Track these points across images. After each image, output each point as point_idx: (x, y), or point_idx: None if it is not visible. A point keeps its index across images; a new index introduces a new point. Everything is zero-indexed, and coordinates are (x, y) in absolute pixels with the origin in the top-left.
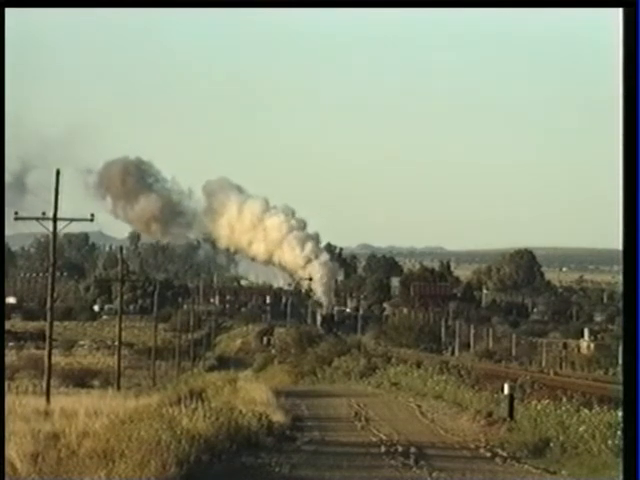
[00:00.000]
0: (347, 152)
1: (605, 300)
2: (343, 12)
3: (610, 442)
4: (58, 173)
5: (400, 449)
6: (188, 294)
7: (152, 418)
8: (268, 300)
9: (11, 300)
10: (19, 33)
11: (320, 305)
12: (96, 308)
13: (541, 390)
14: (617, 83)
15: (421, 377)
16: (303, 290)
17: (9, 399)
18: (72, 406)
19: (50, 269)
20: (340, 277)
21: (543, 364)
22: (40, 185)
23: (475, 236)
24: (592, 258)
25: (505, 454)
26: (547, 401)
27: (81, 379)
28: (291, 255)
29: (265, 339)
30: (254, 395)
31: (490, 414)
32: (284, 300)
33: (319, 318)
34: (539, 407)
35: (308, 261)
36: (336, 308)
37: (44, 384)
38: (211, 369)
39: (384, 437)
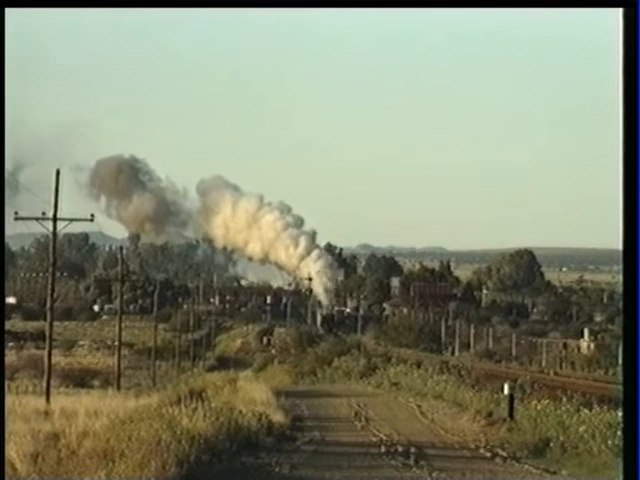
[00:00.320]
0: (347, 152)
1: (605, 300)
2: (342, 12)
3: (610, 442)
4: (58, 173)
5: (400, 449)
6: (188, 294)
7: (152, 418)
8: (268, 300)
9: (11, 300)
10: (17, 32)
11: (320, 305)
12: (96, 308)
13: (541, 390)
14: (617, 83)
15: (421, 377)
16: (303, 290)
17: (9, 399)
18: (72, 406)
19: (50, 269)
20: (340, 277)
21: (543, 364)
22: (33, 183)
23: (475, 236)
24: (592, 258)
25: (505, 454)
26: (547, 401)
27: (81, 379)
28: (286, 253)
29: (265, 339)
30: (254, 395)
31: (490, 414)
32: (284, 300)
33: (319, 318)
34: (539, 407)
35: (302, 258)
36: (336, 308)
37: (44, 384)
38: (211, 369)
39: (384, 437)
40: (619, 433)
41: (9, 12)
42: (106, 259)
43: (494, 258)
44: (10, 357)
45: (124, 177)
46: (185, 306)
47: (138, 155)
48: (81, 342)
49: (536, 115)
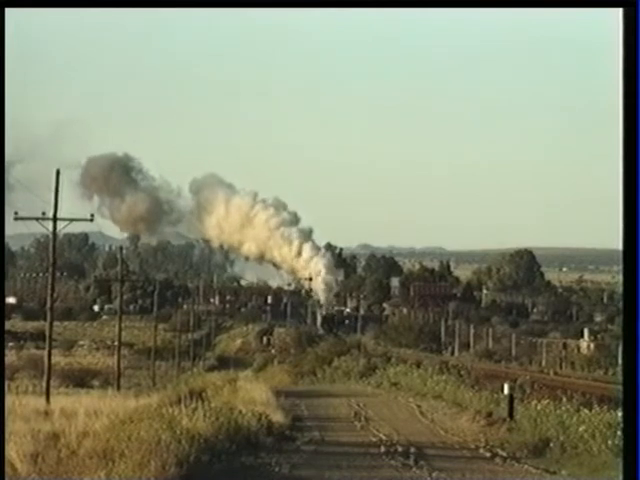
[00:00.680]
0: (347, 152)
1: (605, 300)
2: (342, 12)
3: (610, 442)
4: (58, 173)
5: (400, 449)
6: (188, 294)
7: (152, 418)
8: (268, 300)
9: (11, 300)
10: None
11: (320, 305)
12: (96, 308)
13: (541, 390)
14: (617, 83)
15: (421, 377)
16: (303, 290)
17: (9, 399)
18: (72, 406)
19: (50, 269)
20: (340, 277)
21: (543, 364)
22: (28, 181)
23: (475, 236)
24: (592, 258)
25: (505, 454)
26: (547, 401)
27: (81, 379)
28: (280, 252)
29: (265, 339)
30: (254, 395)
31: (490, 414)
32: (284, 300)
33: (319, 318)
34: (539, 407)
35: (297, 256)
36: (336, 308)
37: (44, 384)
38: (211, 369)
39: (384, 437)
40: (619, 433)
41: (9, 12)
42: (106, 259)
43: (494, 258)
44: (10, 357)
45: (117, 176)
46: (185, 306)
47: (133, 154)
48: (81, 342)
49: (536, 115)
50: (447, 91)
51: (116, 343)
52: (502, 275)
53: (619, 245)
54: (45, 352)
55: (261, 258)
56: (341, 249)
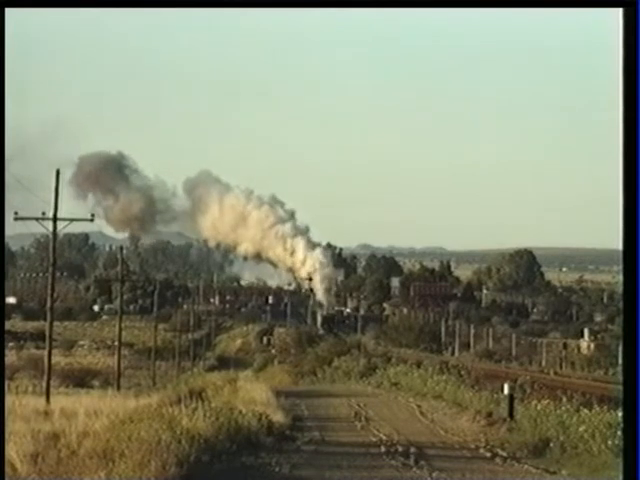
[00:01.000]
0: (347, 152)
1: (605, 300)
2: (341, 12)
3: (610, 442)
4: (58, 173)
5: (400, 449)
6: (188, 294)
7: (152, 418)
8: (270, 300)
9: (11, 300)
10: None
11: (320, 305)
12: (96, 308)
13: (541, 390)
14: (617, 83)
15: (421, 377)
16: (303, 290)
17: (9, 399)
18: (72, 406)
19: (50, 269)
20: (340, 277)
21: (543, 364)
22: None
23: (475, 236)
24: (592, 258)
25: (505, 454)
26: (547, 401)
27: (81, 379)
28: (276, 250)
29: (265, 339)
30: (254, 395)
31: (490, 414)
32: (284, 300)
33: (319, 318)
34: (539, 407)
35: (292, 253)
36: (336, 308)
37: (44, 384)
38: (211, 369)
39: (384, 437)
40: (619, 433)
41: (9, 12)
42: (106, 259)
43: (494, 258)
44: (10, 357)
45: (111, 174)
46: (185, 306)
47: (130, 153)
48: (81, 342)
49: (536, 115)
50: (447, 91)
51: (116, 343)
52: (502, 275)
53: (619, 245)
54: (45, 352)
55: (258, 257)
56: (341, 249)
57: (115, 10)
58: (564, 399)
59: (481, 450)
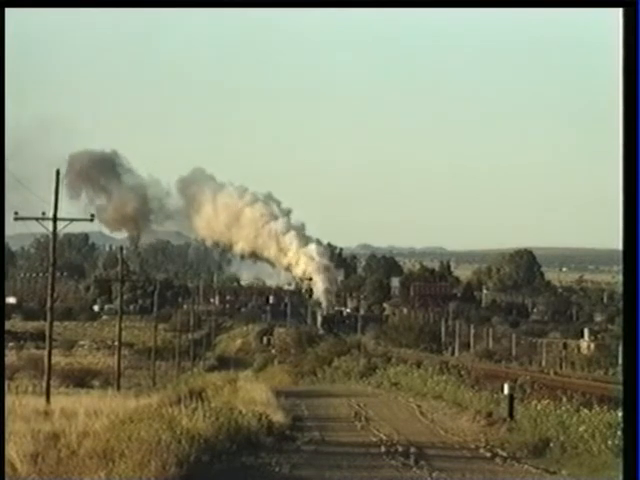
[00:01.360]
0: (347, 152)
1: (605, 300)
2: (341, 12)
3: (610, 442)
4: (58, 173)
5: (400, 449)
6: (188, 294)
7: (152, 418)
8: (271, 300)
9: (11, 300)
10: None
11: (320, 305)
12: (96, 308)
13: (541, 390)
14: (617, 83)
15: (421, 377)
16: (303, 290)
17: (9, 399)
18: (72, 406)
19: (50, 269)
20: (340, 277)
21: (543, 364)
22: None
23: (475, 236)
24: (592, 258)
25: (505, 454)
26: (547, 401)
27: (81, 379)
28: (270, 248)
29: (265, 339)
30: (254, 395)
31: (490, 414)
32: (284, 300)
33: (319, 318)
34: (539, 407)
35: (285, 253)
36: (336, 308)
37: (44, 384)
38: (211, 369)
39: (384, 437)
40: (619, 433)
41: (9, 12)
42: (106, 259)
43: (494, 258)
44: (10, 357)
45: (102, 172)
46: (185, 306)
47: (126, 152)
48: (81, 342)
49: (536, 115)
50: (447, 91)
51: (116, 343)
52: (502, 275)
53: (619, 245)
54: (45, 352)
55: (254, 256)
56: (341, 249)
57: (115, 10)
58: (564, 399)
59: (481, 450)
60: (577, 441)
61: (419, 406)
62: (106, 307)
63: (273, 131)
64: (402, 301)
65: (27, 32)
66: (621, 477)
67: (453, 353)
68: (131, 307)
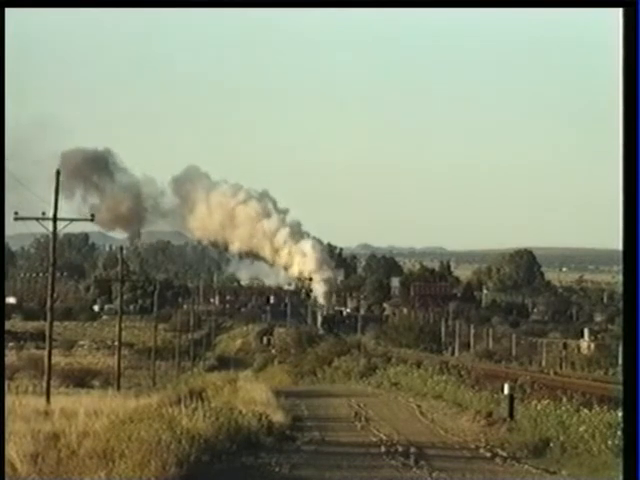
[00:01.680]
0: (347, 152)
1: (605, 300)
2: (341, 12)
3: (610, 442)
4: (58, 173)
5: (400, 449)
6: (188, 294)
7: (152, 418)
8: (271, 300)
9: (11, 300)
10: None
11: (320, 305)
12: (96, 308)
13: (541, 390)
14: (617, 83)
15: (421, 377)
16: (303, 290)
17: (9, 399)
18: (72, 406)
19: (50, 269)
20: (340, 277)
21: (543, 364)
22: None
23: (475, 236)
24: (592, 258)
25: (505, 454)
26: (547, 401)
27: (81, 379)
28: (265, 247)
29: (265, 339)
30: (254, 395)
31: (490, 414)
32: (284, 300)
33: (319, 318)
34: (539, 407)
35: (280, 249)
36: (336, 308)
37: (44, 384)
38: (211, 369)
39: (384, 437)
40: (619, 433)
41: (9, 12)
42: (106, 259)
43: (494, 258)
44: (10, 357)
45: (95, 171)
46: (185, 306)
47: (122, 151)
48: (81, 342)
49: (536, 115)
50: (447, 91)
51: (116, 343)
52: (502, 275)
53: (619, 245)
54: (45, 352)
55: (251, 254)
56: (341, 249)
57: (115, 10)
58: (564, 399)
59: (481, 450)
60: (577, 441)
61: (419, 406)
62: (106, 307)
63: (273, 131)
64: (402, 301)
65: (27, 32)
66: (621, 477)
67: (453, 353)
68: (131, 307)
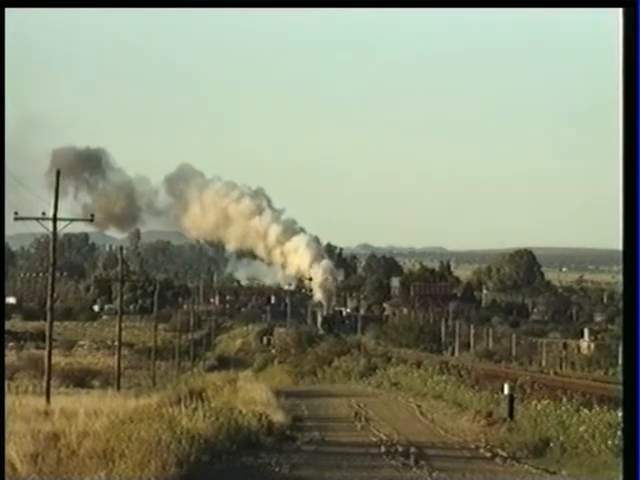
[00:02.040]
0: (348, 152)
1: (605, 300)
2: (341, 12)
3: (610, 442)
4: (58, 173)
5: (400, 449)
6: (188, 294)
7: (152, 418)
8: (272, 300)
9: (11, 300)
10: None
11: (320, 305)
12: (96, 308)
13: (541, 390)
14: (617, 83)
15: (421, 377)
16: (303, 290)
17: (9, 399)
18: (72, 406)
19: (50, 269)
20: (340, 277)
21: (543, 364)
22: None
23: (475, 236)
24: (592, 258)
25: (505, 454)
26: (547, 401)
27: (81, 379)
28: (259, 245)
29: (265, 339)
30: (254, 395)
31: (490, 414)
32: (284, 300)
33: (319, 318)
34: (539, 407)
35: (272, 246)
36: (336, 308)
37: (44, 384)
38: (211, 369)
39: (384, 437)
40: (619, 433)
41: (9, 12)
42: (106, 259)
43: (494, 258)
44: (10, 357)
45: (88, 170)
46: (185, 306)
47: (117, 150)
48: (81, 342)
49: (536, 115)
50: (447, 91)
51: (116, 343)
52: (502, 275)
53: (619, 245)
54: (45, 352)
55: (248, 254)
56: (341, 249)
57: (115, 10)
58: (564, 399)
59: (481, 450)
60: (577, 441)
61: (419, 406)
62: (106, 307)
63: (273, 131)
64: (402, 301)
65: (27, 32)
66: (621, 477)
67: (453, 353)
68: (131, 307)
